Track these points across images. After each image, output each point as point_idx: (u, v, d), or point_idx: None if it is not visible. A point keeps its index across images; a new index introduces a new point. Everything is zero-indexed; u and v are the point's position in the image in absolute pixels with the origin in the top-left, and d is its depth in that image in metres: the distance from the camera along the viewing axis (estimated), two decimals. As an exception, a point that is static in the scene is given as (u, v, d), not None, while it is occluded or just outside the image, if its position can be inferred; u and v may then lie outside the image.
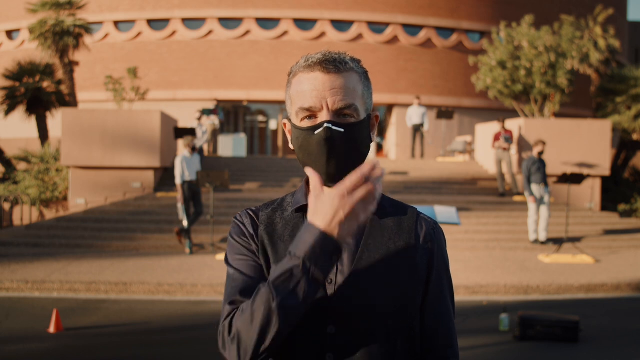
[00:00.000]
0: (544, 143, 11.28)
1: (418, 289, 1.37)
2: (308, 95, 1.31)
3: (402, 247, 1.37)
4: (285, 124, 1.43)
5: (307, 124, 1.33)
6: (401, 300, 1.34)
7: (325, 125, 1.29)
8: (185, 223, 10.42)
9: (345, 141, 1.30)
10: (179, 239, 10.63)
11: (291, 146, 1.40)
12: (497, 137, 13.92)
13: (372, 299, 1.32)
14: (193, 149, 10.77)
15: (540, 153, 11.19)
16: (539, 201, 11.11)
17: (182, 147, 10.88)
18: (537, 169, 11.08)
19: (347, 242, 1.21)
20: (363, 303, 1.32)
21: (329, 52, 1.34)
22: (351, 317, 1.31)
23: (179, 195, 10.51)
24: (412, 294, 1.36)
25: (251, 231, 1.41)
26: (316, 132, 1.30)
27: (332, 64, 1.31)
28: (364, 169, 1.18)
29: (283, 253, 1.34)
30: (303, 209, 1.41)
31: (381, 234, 1.38)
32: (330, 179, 1.31)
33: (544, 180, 11.08)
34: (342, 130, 1.30)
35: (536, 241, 11.13)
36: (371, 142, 1.39)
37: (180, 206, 10.47)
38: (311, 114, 1.32)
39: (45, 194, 14.19)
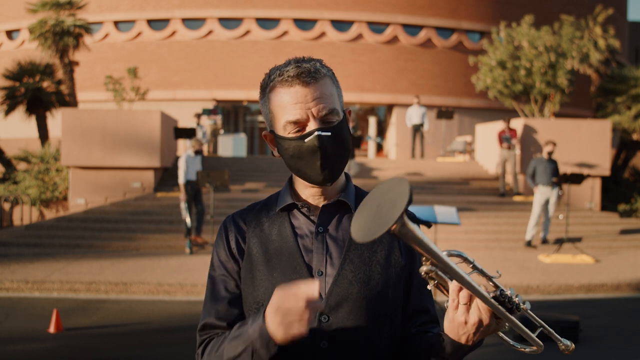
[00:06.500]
0: (554, 144, 11.13)
1: (401, 277, 1.44)
2: (292, 109, 1.37)
3: (385, 239, 1.43)
4: (266, 136, 1.47)
5: (295, 134, 1.38)
6: (387, 288, 1.41)
7: (316, 133, 1.35)
8: (188, 222, 10.42)
9: (334, 142, 1.37)
10: (196, 241, 10.69)
11: (275, 154, 1.45)
12: (499, 137, 13.86)
13: (361, 288, 1.39)
14: (197, 151, 10.82)
15: (550, 153, 11.10)
16: (545, 203, 11.01)
17: (187, 147, 10.86)
18: (544, 169, 10.95)
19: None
20: (352, 292, 1.38)
21: (299, 63, 1.38)
22: (342, 306, 1.37)
23: (182, 194, 10.52)
24: (397, 281, 1.43)
25: (236, 237, 1.47)
26: (307, 140, 1.36)
27: (309, 75, 1.36)
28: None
29: (272, 252, 1.43)
30: (288, 208, 1.46)
31: None
32: (326, 180, 1.39)
33: (550, 181, 10.98)
34: (330, 133, 1.37)
35: (529, 243, 11.01)
36: (351, 135, 1.46)
37: (183, 205, 10.47)
38: (299, 126, 1.37)
39: (45, 194, 14.19)
